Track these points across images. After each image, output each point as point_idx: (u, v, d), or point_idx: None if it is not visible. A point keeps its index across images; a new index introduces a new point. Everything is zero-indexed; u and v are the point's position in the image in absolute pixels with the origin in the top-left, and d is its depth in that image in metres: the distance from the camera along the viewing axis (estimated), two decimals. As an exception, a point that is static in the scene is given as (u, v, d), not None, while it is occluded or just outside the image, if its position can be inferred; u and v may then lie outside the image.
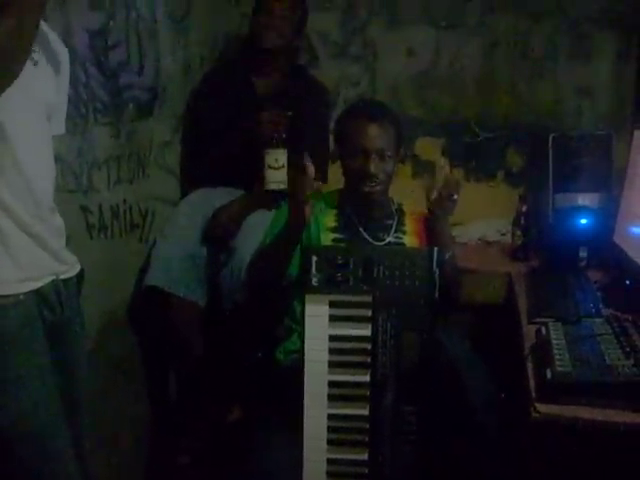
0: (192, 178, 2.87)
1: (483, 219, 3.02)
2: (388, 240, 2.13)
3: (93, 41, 2.29)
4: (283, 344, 2.12)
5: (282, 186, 2.27)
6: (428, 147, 3.19)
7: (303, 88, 2.81)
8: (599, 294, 2.12)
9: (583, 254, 2.48)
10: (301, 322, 1.71)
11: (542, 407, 1.44)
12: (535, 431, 1.44)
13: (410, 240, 2.16)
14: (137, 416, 2.67)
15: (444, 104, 3.16)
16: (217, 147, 2.71)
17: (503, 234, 2.94)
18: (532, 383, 1.54)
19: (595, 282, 2.28)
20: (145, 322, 2.64)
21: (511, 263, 2.70)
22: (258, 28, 2.72)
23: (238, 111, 2.69)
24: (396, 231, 2.16)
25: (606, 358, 1.51)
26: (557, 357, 1.52)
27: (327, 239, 2.07)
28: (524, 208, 2.72)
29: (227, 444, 2.52)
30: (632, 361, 1.47)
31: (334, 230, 2.10)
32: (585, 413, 1.41)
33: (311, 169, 1.85)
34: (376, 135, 2.04)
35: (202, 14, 3.01)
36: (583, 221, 2.53)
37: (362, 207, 2.15)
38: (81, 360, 1.67)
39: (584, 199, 2.55)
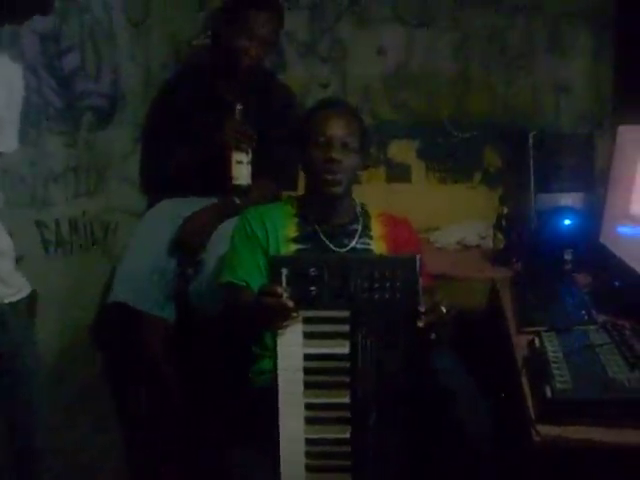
0: (157, 188, 2.75)
1: (461, 222, 2.94)
2: (353, 246, 2.03)
3: (44, 45, 2.16)
4: (253, 367, 2.03)
5: (248, 181, 2.49)
6: (402, 150, 3.11)
7: (269, 93, 2.70)
8: (588, 299, 2.01)
9: (568, 257, 2.40)
10: (272, 343, 1.58)
11: (543, 429, 1.31)
12: (537, 455, 1.31)
13: (378, 245, 2.05)
14: (108, 442, 2.54)
15: (417, 104, 3.09)
16: (181, 155, 2.61)
17: (483, 238, 2.85)
18: (529, 401, 1.41)
19: (583, 286, 2.18)
20: (111, 341, 2.51)
21: (493, 268, 2.61)
22: (235, 50, 2.58)
23: (202, 118, 2.59)
24: (362, 236, 2.05)
25: (608, 371, 1.39)
26: (555, 372, 1.40)
27: (289, 251, 1.95)
28: (505, 210, 2.63)
29: (202, 466, 2.40)
30: (637, 374, 1.35)
31: (295, 240, 1.99)
32: (591, 433, 1.29)
33: None
34: (338, 124, 2.00)
35: (162, 18, 2.91)
36: (567, 222, 2.45)
37: (324, 209, 2.05)
38: (32, 398, 1.54)
39: (567, 199, 2.45)
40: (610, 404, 1.29)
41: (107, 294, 2.47)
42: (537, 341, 1.60)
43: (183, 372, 2.53)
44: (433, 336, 1.59)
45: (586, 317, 1.83)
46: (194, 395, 2.53)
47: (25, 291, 1.55)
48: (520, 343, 1.73)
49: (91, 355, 2.47)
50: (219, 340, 2.30)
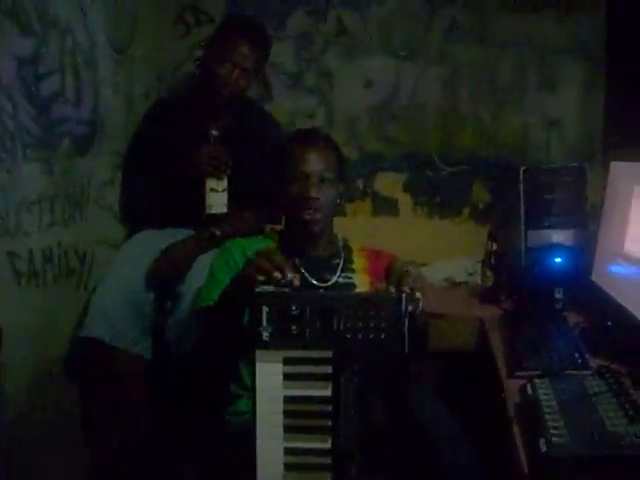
0: (135, 219, 2.71)
1: (449, 258, 2.88)
2: (335, 281, 1.97)
3: (22, 69, 2.10)
4: (230, 407, 1.96)
5: (223, 209, 2.49)
6: (389, 183, 3.07)
7: (253, 123, 2.67)
8: (581, 340, 1.94)
9: (559, 295, 2.32)
10: (251, 383, 1.49)
11: (539, 486, 1.22)
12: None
13: (360, 279, 2.00)
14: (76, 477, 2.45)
15: (405, 137, 3.06)
16: (161, 186, 2.57)
17: (471, 274, 2.79)
18: (522, 455, 1.32)
19: (574, 325, 2.11)
20: (83, 375, 2.45)
21: (481, 306, 2.54)
22: (217, 77, 2.56)
23: (183, 148, 2.55)
24: (344, 270, 2.01)
25: (607, 423, 1.30)
26: (550, 423, 1.31)
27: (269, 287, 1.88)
28: (494, 246, 2.57)
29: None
30: (638, 427, 1.26)
31: None
32: (589, 492, 1.20)
33: None
34: (315, 158, 1.96)
35: (147, 45, 2.88)
36: (558, 260, 2.37)
37: (304, 244, 2.00)
38: None
39: (558, 236, 2.39)
40: (611, 461, 1.20)
41: (80, 326, 2.40)
42: (529, 387, 1.52)
43: (157, 410, 2.47)
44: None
45: (580, 361, 1.76)
46: (167, 434, 2.48)
47: None
48: (511, 388, 1.65)
49: (62, 389, 2.40)
50: (195, 377, 2.23)
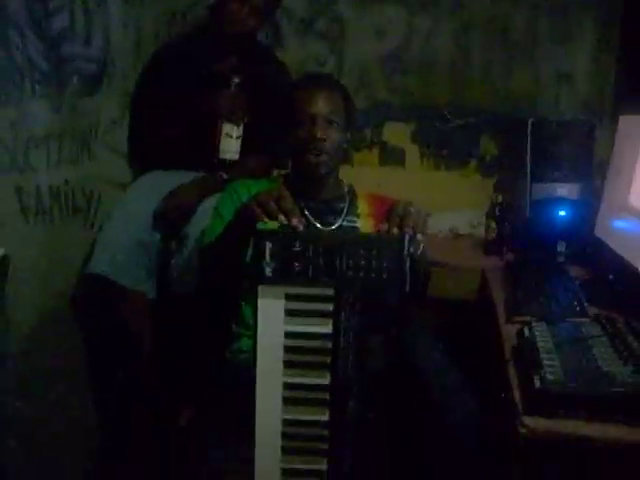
0: (143, 160, 2.69)
1: (454, 210, 2.87)
2: (339, 224, 1.99)
3: (31, 4, 2.09)
4: (232, 346, 1.98)
5: (235, 157, 2.48)
6: (397, 133, 3.03)
7: (263, 68, 2.65)
8: (581, 291, 1.96)
9: (562, 248, 2.35)
10: (253, 322, 1.51)
11: (530, 421, 1.24)
12: (522, 449, 1.25)
13: (365, 223, 2.01)
14: (80, 412, 2.48)
15: (415, 88, 3.01)
16: (170, 127, 2.55)
17: (475, 226, 2.80)
18: (517, 393, 1.35)
19: (576, 278, 2.12)
20: (89, 315, 2.47)
21: (484, 257, 2.56)
22: (225, 14, 2.53)
23: (193, 90, 2.53)
24: (348, 214, 2.02)
25: (601, 364, 1.33)
26: (545, 362, 1.33)
27: (274, 226, 1.90)
28: (499, 198, 2.57)
29: (178, 446, 2.35)
30: (631, 367, 1.29)
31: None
32: (579, 428, 1.23)
33: None
34: (323, 101, 1.96)
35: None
36: (562, 213, 2.38)
37: (310, 187, 2.02)
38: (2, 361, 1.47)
39: (563, 190, 2.39)
40: (603, 398, 1.23)
41: (86, 264, 2.42)
42: (527, 331, 1.54)
43: (161, 349, 2.49)
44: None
45: (578, 309, 1.77)
46: (170, 372, 2.50)
47: None
48: (509, 333, 1.67)
49: (69, 324, 2.42)
50: (199, 317, 2.25)
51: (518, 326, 1.64)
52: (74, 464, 2.42)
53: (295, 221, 1.53)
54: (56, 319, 2.33)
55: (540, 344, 1.44)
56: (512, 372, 1.45)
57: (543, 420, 1.25)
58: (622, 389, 1.23)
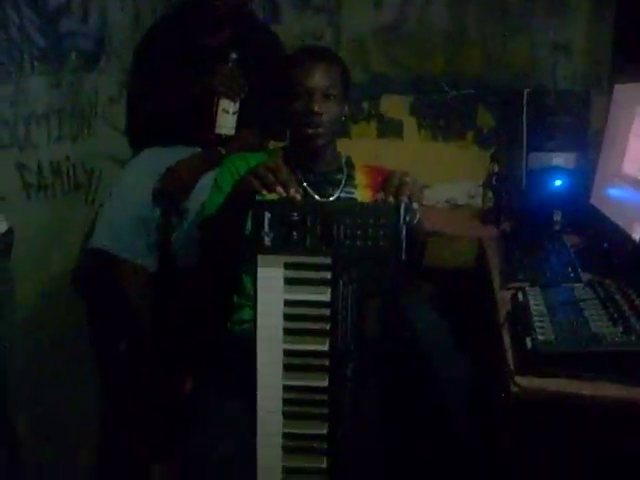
0: (141, 136, 2.71)
1: (452, 181, 2.90)
2: (337, 196, 2.01)
3: (28, -20, 2.09)
4: (233, 317, 2.01)
5: (232, 132, 2.49)
6: (394, 105, 3.07)
7: (255, 41, 2.65)
8: (576, 258, 1.98)
9: (557, 217, 2.35)
10: (253, 290, 1.54)
11: (522, 380, 1.28)
12: (514, 407, 1.29)
13: (362, 194, 2.03)
14: (84, 390, 2.54)
15: (412, 60, 3.04)
16: (166, 103, 2.57)
17: (472, 197, 2.82)
18: (510, 355, 1.38)
19: (571, 246, 2.15)
20: (91, 289, 2.51)
21: (481, 227, 2.57)
22: None
23: (189, 65, 2.55)
24: (346, 185, 2.04)
25: (591, 325, 1.36)
26: (537, 325, 1.37)
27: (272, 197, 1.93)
28: (495, 168, 2.59)
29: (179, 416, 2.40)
30: (621, 328, 1.32)
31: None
32: (569, 386, 1.26)
33: None
34: (320, 75, 1.95)
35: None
36: (558, 182, 2.40)
37: (307, 159, 2.03)
38: (6, 331, 1.50)
39: (559, 159, 2.41)
40: (592, 358, 1.27)
41: (88, 240, 2.45)
42: (520, 295, 1.57)
43: (163, 321, 2.53)
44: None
45: (572, 275, 1.80)
46: (171, 344, 2.53)
47: (2, 228, 1.52)
48: (504, 299, 1.70)
49: (71, 299, 2.46)
50: (200, 289, 2.28)
51: (513, 292, 1.67)
52: (78, 437, 2.47)
53: (292, 191, 1.56)
54: (58, 293, 2.37)
55: (533, 307, 1.47)
56: (506, 335, 1.48)
57: (535, 379, 1.28)
58: (611, 348, 1.27)
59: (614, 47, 2.85)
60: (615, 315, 1.38)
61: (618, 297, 1.48)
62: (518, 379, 1.29)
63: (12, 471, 1.56)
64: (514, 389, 1.27)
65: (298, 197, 1.56)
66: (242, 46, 2.56)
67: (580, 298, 1.50)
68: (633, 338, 1.30)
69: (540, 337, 1.32)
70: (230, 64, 2.48)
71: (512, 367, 1.33)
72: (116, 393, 2.61)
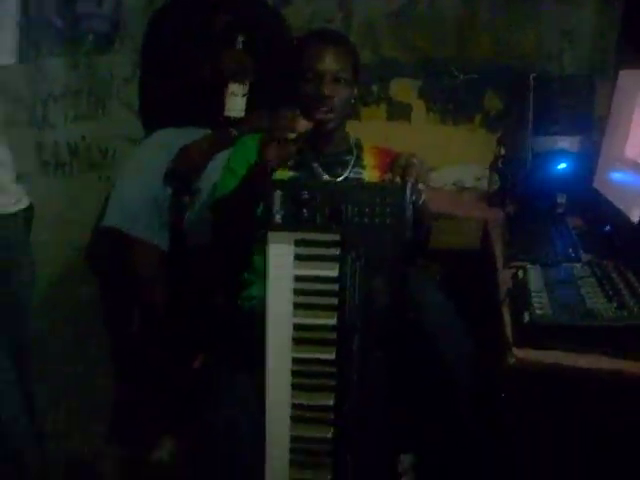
0: (154, 117, 2.73)
1: (459, 164, 2.95)
2: (346, 176, 2.07)
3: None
4: (243, 293, 2.07)
5: (241, 114, 2.50)
6: (404, 89, 3.10)
7: (263, 22, 2.67)
8: (578, 239, 2.04)
9: (561, 200, 2.41)
10: (263, 265, 1.61)
11: (519, 352, 1.35)
12: (511, 378, 1.35)
13: (370, 174, 2.08)
14: (98, 362, 2.61)
15: (421, 44, 3.07)
16: (177, 85, 2.59)
17: (479, 179, 2.87)
18: (509, 329, 1.45)
19: (574, 228, 2.20)
20: (103, 266, 2.54)
21: (487, 209, 2.63)
22: None
23: (198, 46, 2.58)
24: (355, 166, 2.09)
25: (587, 301, 1.42)
26: (535, 300, 1.44)
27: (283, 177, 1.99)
28: (502, 152, 2.64)
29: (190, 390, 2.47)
30: (615, 304, 1.38)
31: (290, 168, 2.02)
32: (565, 359, 1.33)
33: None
34: (330, 58, 2.00)
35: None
36: (562, 165, 2.46)
37: (318, 141, 2.07)
38: (27, 302, 1.60)
39: (564, 143, 2.46)
40: (586, 331, 1.33)
41: (100, 218, 2.49)
42: (521, 273, 1.64)
43: (173, 299, 2.56)
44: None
45: (573, 255, 1.86)
46: (182, 321, 2.58)
47: (24, 203, 1.58)
48: (505, 277, 1.76)
49: (85, 275, 2.52)
50: (211, 268, 2.34)
51: (514, 270, 1.73)
52: (93, 406, 2.55)
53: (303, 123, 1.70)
54: (73, 267, 2.43)
55: (531, 284, 1.54)
56: (506, 311, 1.55)
57: (531, 351, 1.35)
58: (605, 323, 1.33)
59: (621, 35, 2.87)
60: (610, 292, 1.44)
61: (614, 276, 1.54)
62: (515, 351, 1.35)
63: (32, 439, 1.62)
64: (511, 360, 1.33)
65: (301, 129, 1.71)
66: (249, 29, 2.60)
67: (578, 276, 1.56)
68: (626, 313, 1.36)
69: (537, 311, 1.38)
70: (237, 47, 2.52)
71: (510, 340, 1.39)
72: (128, 369, 2.68)
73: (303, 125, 1.71)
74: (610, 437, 1.38)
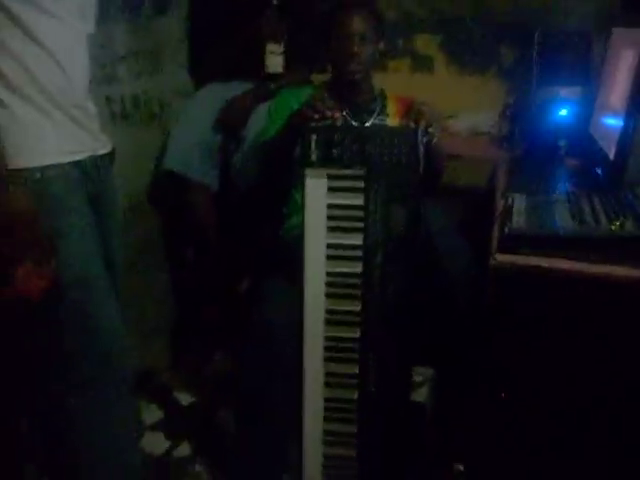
0: (203, 73, 3.03)
1: (475, 111, 3.17)
2: (372, 123, 2.38)
3: None
4: (285, 224, 2.40)
5: (280, 69, 2.78)
6: (426, 43, 3.34)
7: None
8: (569, 178, 2.34)
9: (562, 144, 2.65)
10: (301, 198, 1.91)
11: (500, 256, 1.71)
12: (493, 277, 1.70)
13: (392, 120, 2.39)
14: (161, 290, 2.96)
15: (442, 2, 3.29)
16: (224, 45, 2.87)
17: (492, 125, 3.10)
18: (495, 241, 1.80)
19: (570, 168, 2.49)
20: (164, 205, 2.89)
21: (497, 151, 2.88)
22: None
23: (239, 11, 2.86)
24: (379, 114, 2.41)
25: (557, 220, 1.78)
26: (515, 217, 1.80)
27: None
28: (510, 100, 2.92)
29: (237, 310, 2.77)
30: (577, 222, 1.74)
31: None
32: (534, 261, 1.69)
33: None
34: (357, 21, 2.31)
35: None
36: (563, 112, 2.70)
37: (346, 92, 2.39)
38: (117, 230, 1.85)
39: (565, 92, 2.73)
40: (551, 239, 1.71)
41: (160, 164, 2.81)
42: (510, 200, 1.98)
43: (225, 233, 2.90)
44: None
45: (561, 189, 2.17)
46: (234, 251, 2.92)
47: (109, 146, 1.81)
48: (500, 205, 2.07)
49: (149, 213, 2.86)
50: (257, 204, 2.66)
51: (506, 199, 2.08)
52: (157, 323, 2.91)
53: (337, 114, 1.98)
54: (138, 208, 2.76)
55: (516, 207, 1.89)
56: (496, 228, 1.90)
57: (508, 255, 1.72)
58: (565, 233, 1.70)
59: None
60: (575, 213, 1.80)
61: (584, 201, 1.89)
62: (497, 256, 1.72)
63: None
64: (493, 262, 1.70)
65: (338, 116, 1.97)
66: None
67: (554, 202, 1.91)
68: (582, 228, 1.73)
69: (515, 225, 1.75)
70: (272, 11, 2.80)
71: (495, 248, 1.76)
72: (186, 289, 3.05)
73: (332, 111, 1.99)
74: (573, 327, 1.73)
